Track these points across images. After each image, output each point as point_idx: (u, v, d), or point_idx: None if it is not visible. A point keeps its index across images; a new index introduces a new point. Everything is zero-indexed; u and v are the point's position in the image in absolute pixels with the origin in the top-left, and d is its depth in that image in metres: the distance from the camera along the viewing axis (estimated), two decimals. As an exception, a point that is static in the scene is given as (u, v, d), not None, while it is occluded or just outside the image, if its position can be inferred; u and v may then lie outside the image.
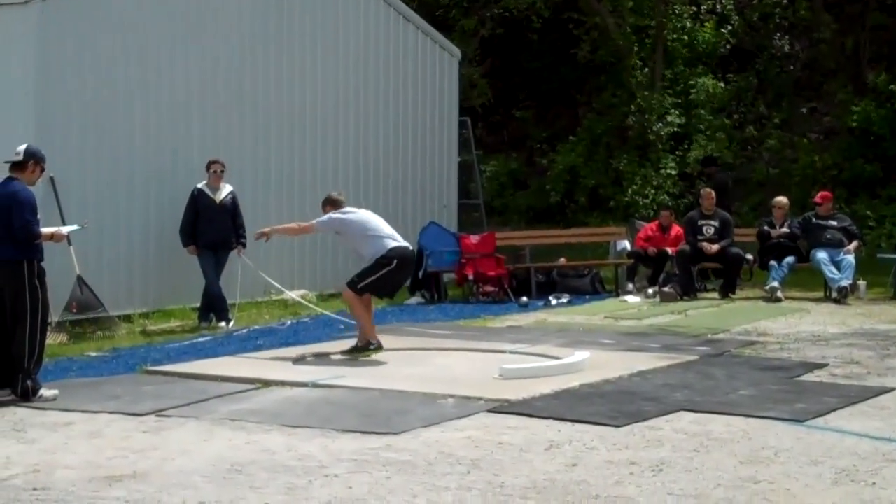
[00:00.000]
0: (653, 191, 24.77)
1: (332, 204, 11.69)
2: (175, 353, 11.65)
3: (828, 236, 16.51)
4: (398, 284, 11.80)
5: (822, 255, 16.28)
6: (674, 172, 25.19)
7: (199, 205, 13.82)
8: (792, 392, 9.08)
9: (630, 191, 24.80)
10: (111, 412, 8.58)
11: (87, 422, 8.29)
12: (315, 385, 9.40)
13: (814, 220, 16.86)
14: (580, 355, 10.28)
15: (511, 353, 11.12)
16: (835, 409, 8.37)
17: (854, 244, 16.53)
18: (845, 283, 15.88)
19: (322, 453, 7.18)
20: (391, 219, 18.22)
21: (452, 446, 7.32)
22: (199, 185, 13.93)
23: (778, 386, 9.38)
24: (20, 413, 8.64)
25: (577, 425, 7.93)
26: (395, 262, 11.03)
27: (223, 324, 13.59)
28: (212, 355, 11.38)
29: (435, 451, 7.21)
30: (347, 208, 11.68)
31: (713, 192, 17.52)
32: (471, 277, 16.67)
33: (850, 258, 16.21)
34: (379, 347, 11.02)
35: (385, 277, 11.08)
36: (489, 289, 16.71)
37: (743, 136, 26.96)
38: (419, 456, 7.07)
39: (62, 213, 12.87)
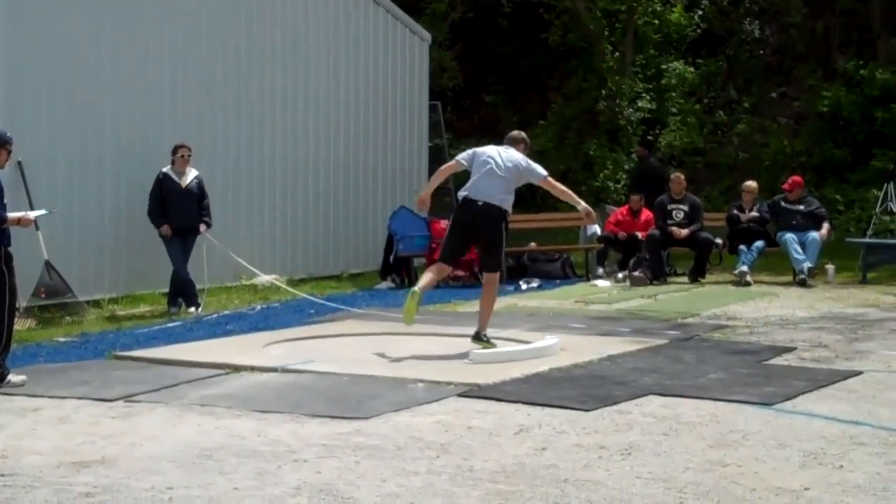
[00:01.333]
0: (624, 175, 24.84)
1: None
2: (144, 338, 11.62)
3: (793, 222, 16.59)
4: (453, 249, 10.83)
5: (789, 234, 16.38)
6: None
7: (164, 189, 13.75)
8: (760, 376, 9.12)
9: (601, 175, 24.87)
10: (79, 398, 8.52)
11: (56, 407, 8.23)
12: (284, 370, 9.37)
13: (782, 203, 16.94)
14: (550, 339, 10.31)
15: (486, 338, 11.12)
16: (803, 393, 8.40)
17: (825, 227, 16.59)
18: (808, 264, 15.98)
19: (291, 438, 7.16)
20: (361, 203, 18.43)
21: (422, 431, 7.32)
22: (165, 170, 13.86)
23: (747, 370, 9.41)
24: (-13, 399, 8.60)
25: (547, 409, 7.94)
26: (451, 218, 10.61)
27: (192, 309, 13.55)
28: (182, 340, 11.34)
29: (404, 435, 7.20)
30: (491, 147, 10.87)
31: (683, 177, 17.59)
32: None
33: (816, 236, 16.26)
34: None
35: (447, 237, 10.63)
36: (459, 273, 16.70)
37: (713, 121, 27.09)
38: (388, 440, 7.06)
39: (30, 198, 12.80)
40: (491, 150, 10.66)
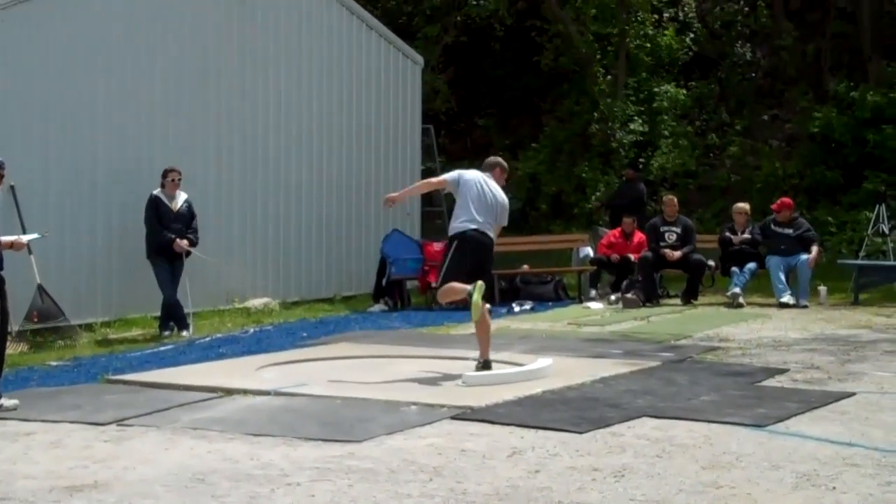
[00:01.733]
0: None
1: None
2: (137, 361, 11.62)
3: (782, 246, 16.59)
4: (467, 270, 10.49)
5: (774, 260, 16.42)
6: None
7: (157, 212, 13.75)
8: (753, 397, 9.12)
9: (593, 198, 24.91)
10: (72, 422, 8.51)
11: (48, 431, 8.23)
12: (277, 393, 9.36)
13: (772, 226, 16.95)
14: (543, 362, 10.31)
15: (473, 360, 11.12)
16: (795, 415, 8.41)
17: (814, 250, 16.60)
18: (787, 297, 16.03)
19: (284, 461, 7.16)
20: (354, 226, 18.43)
21: (415, 454, 7.32)
22: (156, 192, 13.86)
23: (739, 391, 9.42)
24: (-21, 423, 8.58)
25: (540, 432, 7.95)
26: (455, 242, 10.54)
27: (185, 332, 13.54)
28: (174, 364, 11.35)
29: (397, 458, 7.20)
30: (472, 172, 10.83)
31: (675, 199, 17.63)
32: (434, 285, 16.64)
33: (805, 260, 16.29)
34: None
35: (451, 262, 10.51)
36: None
37: (705, 143, 27.14)
38: (381, 464, 7.05)
39: (22, 222, 12.78)
40: (477, 177, 10.68)
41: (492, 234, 10.56)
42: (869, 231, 18.98)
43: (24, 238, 10.19)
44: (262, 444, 7.66)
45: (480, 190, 10.54)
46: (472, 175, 10.72)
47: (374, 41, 19.15)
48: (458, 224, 10.48)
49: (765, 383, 10.00)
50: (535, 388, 9.40)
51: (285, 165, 17.13)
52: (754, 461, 7.07)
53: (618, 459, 7.14)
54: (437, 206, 22.40)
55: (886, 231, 18.57)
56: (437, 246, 17.23)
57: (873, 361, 11.08)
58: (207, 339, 13.29)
